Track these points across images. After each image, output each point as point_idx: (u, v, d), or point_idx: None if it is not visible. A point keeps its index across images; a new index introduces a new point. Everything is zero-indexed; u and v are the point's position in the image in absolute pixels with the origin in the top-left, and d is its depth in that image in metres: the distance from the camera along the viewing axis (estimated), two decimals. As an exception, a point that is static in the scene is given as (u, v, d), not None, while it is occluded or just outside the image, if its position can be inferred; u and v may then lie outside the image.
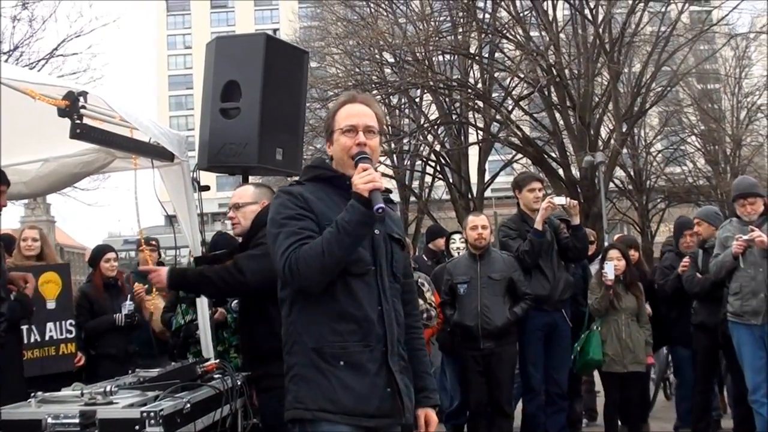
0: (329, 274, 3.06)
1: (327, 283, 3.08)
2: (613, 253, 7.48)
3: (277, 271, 3.13)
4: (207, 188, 6.02)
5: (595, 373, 8.07)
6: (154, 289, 7.21)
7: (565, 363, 7.40)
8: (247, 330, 4.83)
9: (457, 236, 9.28)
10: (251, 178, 6.03)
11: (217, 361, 4.58)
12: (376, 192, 3.00)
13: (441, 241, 10.09)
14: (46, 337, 6.19)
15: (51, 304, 6.21)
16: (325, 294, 3.10)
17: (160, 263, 8.09)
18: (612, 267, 7.26)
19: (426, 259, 9.72)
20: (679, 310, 7.87)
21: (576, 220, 7.30)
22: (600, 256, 7.79)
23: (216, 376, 4.31)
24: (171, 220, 5.93)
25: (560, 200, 7.33)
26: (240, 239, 5.01)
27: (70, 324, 6.30)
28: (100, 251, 7.65)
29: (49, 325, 6.21)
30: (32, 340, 6.11)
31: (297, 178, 3.42)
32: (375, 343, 3.14)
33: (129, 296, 7.32)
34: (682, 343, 8.02)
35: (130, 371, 4.76)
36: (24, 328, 5.99)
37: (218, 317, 5.96)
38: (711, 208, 8.58)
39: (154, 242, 8.40)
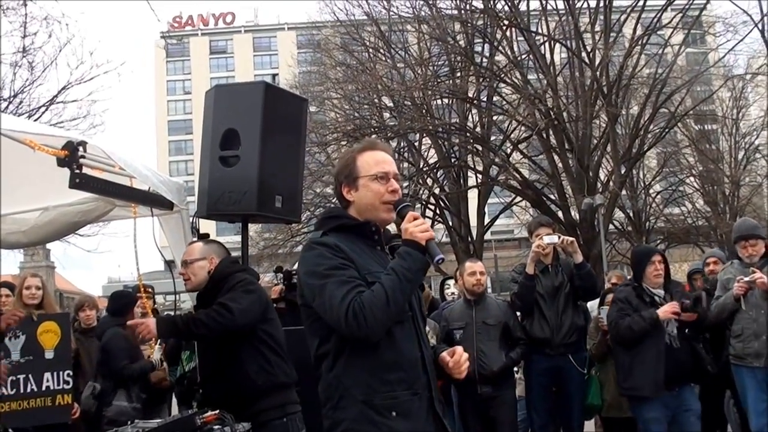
0: (391, 323, 3.03)
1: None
2: (611, 297, 7.24)
3: (336, 321, 3.00)
4: (207, 236, 6.01)
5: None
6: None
7: (573, 409, 7.23)
8: (232, 371, 4.80)
9: (450, 281, 9.26)
10: (251, 226, 6.02)
11: (217, 411, 4.53)
12: (433, 242, 3.05)
13: None
14: (43, 387, 6.11)
15: (49, 354, 6.14)
16: (369, 343, 3.05)
17: (155, 311, 8.05)
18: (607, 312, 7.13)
19: None
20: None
21: (577, 258, 7.10)
22: (598, 300, 7.68)
23: (215, 427, 4.26)
24: (170, 265, 5.92)
25: (552, 239, 7.05)
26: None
27: (68, 375, 6.22)
28: (132, 300, 7.62)
29: (47, 375, 6.14)
30: (29, 389, 6.04)
31: (318, 230, 3.32)
32: (422, 390, 3.12)
33: (159, 340, 7.31)
34: None
35: (129, 422, 4.71)
36: (21, 377, 5.94)
37: None
38: (720, 251, 8.46)
39: (149, 289, 8.34)
